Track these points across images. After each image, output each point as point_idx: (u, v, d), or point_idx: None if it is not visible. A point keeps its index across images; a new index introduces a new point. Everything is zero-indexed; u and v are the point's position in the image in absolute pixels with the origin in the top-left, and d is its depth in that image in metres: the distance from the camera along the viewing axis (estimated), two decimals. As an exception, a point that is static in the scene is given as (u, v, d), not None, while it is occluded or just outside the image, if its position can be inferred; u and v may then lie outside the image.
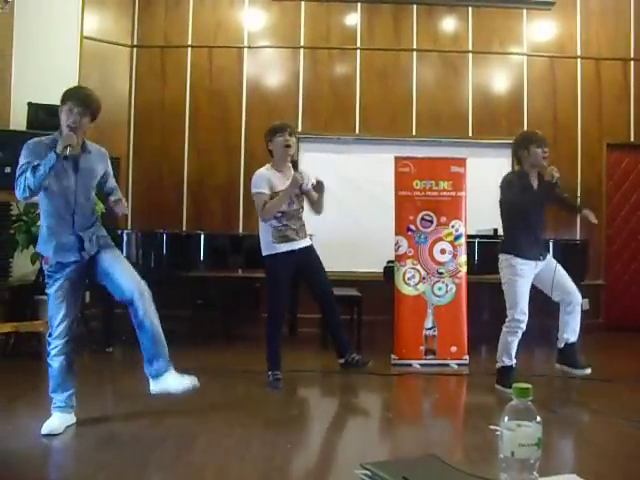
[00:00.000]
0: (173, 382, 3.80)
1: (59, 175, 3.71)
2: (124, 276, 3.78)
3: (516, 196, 4.93)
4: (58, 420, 3.74)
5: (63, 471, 3.33)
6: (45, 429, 3.65)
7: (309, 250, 5.18)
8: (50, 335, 3.79)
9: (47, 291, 3.80)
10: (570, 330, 5.13)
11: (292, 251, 5.04)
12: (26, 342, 5.86)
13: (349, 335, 5.84)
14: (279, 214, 5.00)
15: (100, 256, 3.81)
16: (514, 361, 5.02)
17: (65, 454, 3.61)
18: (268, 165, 5.13)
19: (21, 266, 6.17)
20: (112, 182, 4.01)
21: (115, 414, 4.19)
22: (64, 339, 3.77)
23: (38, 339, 5.71)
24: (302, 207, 5.17)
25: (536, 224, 5.05)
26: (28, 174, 3.59)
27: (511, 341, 4.98)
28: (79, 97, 3.81)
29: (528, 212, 4.99)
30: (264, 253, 5.12)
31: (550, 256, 5.15)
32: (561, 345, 5.18)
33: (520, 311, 4.93)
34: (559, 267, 5.05)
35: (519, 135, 5.29)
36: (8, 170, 4.72)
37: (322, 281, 5.19)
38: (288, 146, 5.00)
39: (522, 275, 4.95)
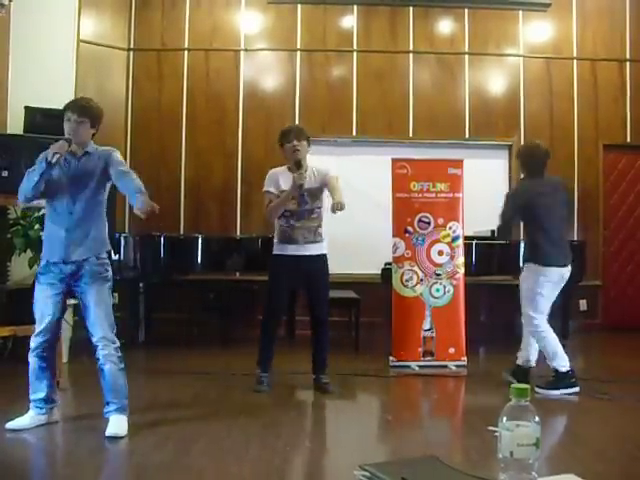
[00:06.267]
0: (112, 425, 3.77)
1: (56, 181, 3.82)
2: (94, 323, 3.86)
3: None
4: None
5: (61, 474, 3.33)
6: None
7: (317, 262, 5.01)
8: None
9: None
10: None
11: (297, 257, 4.93)
12: (24, 346, 5.83)
13: (347, 339, 5.84)
14: (287, 213, 4.94)
15: (86, 288, 3.84)
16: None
17: (61, 457, 3.61)
18: (285, 166, 5.10)
19: (18, 270, 6.16)
20: (124, 180, 3.89)
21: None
22: (41, 338, 3.88)
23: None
24: (317, 207, 5.00)
25: (556, 231, 5.22)
26: (24, 179, 3.77)
27: (543, 345, 5.12)
28: (75, 105, 3.91)
29: None
30: (272, 251, 5.11)
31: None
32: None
33: (540, 315, 5.11)
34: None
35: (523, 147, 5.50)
36: (5, 174, 4.72)
37: (318, 304, 5.06)
38: (296, 150, 4.92)
39: (548, 283, 5.13)
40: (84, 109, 3.87)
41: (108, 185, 3.98)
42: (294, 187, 4.83)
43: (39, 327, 3.87)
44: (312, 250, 4.98)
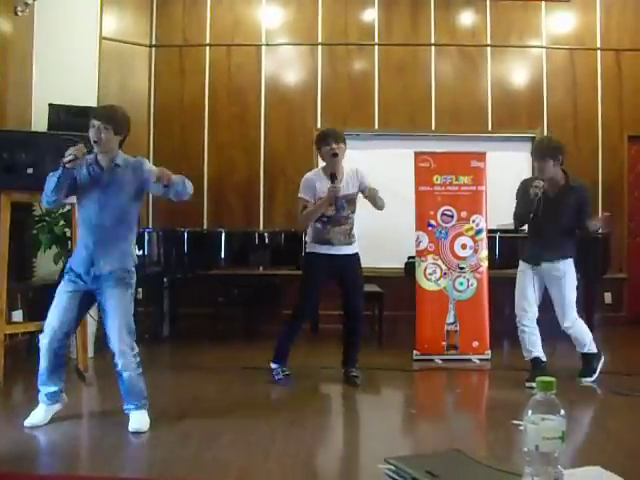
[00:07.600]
0: (133, 421, 3.82)
1: (87, 190, 3.83)
2: (113, 330, 3.82)
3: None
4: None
5: (87, 468, 3.37)
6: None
7: (351, 260, 5.08)
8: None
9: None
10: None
11: (331, 255, 5.00)
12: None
13: (371, 333, 5.82)
14: (325, 218, 4.98)
15: (108, 292, 3.82)
16: (534, 355, 5.08)
17: (87, 451, 3.65)
18: (319, 169, 5.15)
19: (44, 266, 6.22)
20: (156, 185, 3.91)
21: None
22: (58, 334, 3.86)
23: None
24: (353, 211, 5.06)
25: (537, 229, 5.07)
26: (45, 184, 3.76)
27: (521, 337, 5.14)
28: (99, 112, 3.91)
29: (527, 217, 5.06)
30: (306, 249, 5.20)
31: (560, 272, 5.02)
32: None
33: (517, 307, 5.14)
34: (556, 289, 5.05)
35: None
36: (30, 171, 4.75)
37: (354, 299, 5.10)
38: (335, 155, 4.92)
39: (521, 274, 5.14)
40: (108, 115, 3.83)
41: (142, 197, 4.03)
42: (329, 198, 4.89)
43: (54, 321, 3.85)
44: (345, 250, 5.05)
